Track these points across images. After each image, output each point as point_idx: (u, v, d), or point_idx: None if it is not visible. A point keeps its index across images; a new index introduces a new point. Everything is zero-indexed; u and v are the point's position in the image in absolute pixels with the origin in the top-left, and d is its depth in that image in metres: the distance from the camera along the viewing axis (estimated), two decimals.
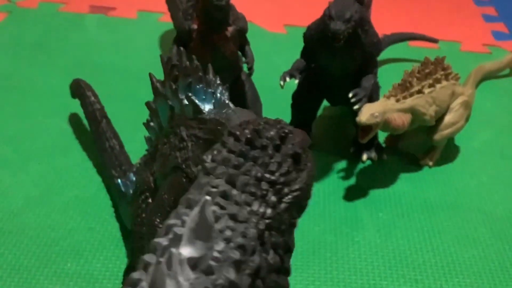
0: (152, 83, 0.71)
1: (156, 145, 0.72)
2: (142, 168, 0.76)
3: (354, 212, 0.89)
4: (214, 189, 0.42)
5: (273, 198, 0.44)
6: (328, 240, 0.83)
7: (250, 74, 0.99)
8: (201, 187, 0.43)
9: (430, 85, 0.95)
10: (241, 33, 0.95)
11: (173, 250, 0.36)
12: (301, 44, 0.96)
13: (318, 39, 0.91)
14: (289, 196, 0.45)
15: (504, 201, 0.92)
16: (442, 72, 0.97)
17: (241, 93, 0.99)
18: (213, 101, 0.64)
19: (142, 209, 0.71)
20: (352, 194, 0.92)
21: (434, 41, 1.37)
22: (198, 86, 0.65)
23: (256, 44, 1.04)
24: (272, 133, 0.46)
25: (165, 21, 1.42)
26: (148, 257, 0.39)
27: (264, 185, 0.44)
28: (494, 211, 0.90)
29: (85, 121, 1.01)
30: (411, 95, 0.92)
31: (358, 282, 0.76)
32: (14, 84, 1.18)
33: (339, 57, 0.91)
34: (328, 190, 0.93)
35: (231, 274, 0.38)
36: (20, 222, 0.83)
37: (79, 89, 1.00)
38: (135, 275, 0.37)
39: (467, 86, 1.08)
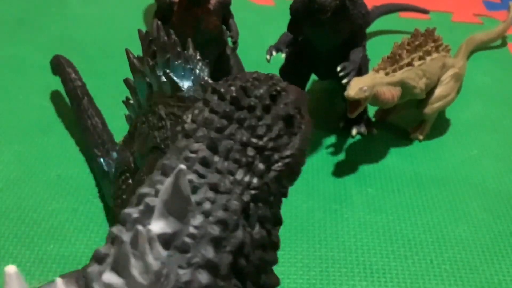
0: (129, 59, 0.68)
1: (135, 124, 0.70)
2: (122, 148, 0.74)
3: (343, 188, 0.87)
4: (193, 155, 0.37)
5: (261, 166, 0.39)
6: (317, 217, 0.82)
7: (234, 49, 0.97)
8: (179, 152, 0.38)
9: (420, 58, 0.93)
10: (225, 5, 0.92)
11: (140, 227, 0.32)
12: (289, 17, 0.93)
13: (304, 11, 0.89)
14: (279, 164, 0.40)
15: (495, 174, 0.91)
16: (432, 44, 0.95)
17: (226, 68, 0.96)
18: (192, 77, 0.62)
19: (123, 190, 0.69)
20: (341, 170, 0.91)
21: (425, 12, 1.35)
22: (176, 62, 0.62)
23: (243, 17, 1.02)
24: (261, 91, 0.40)
25: None
26: (116, 230, 0.34)
27: (251, 151, 0.39)
28: (485, 184, 0.89)
29: (67, 99, 0.98)
30: (401, 68, 0.90)
31: (347, 259, 0.75)
32: None
33: (326, 30, 0.89)
34: (316, 166, 0.92)
35: (209, 252, 0.34)
36: (0, 204, 0.81)
37: (59, 66, 0.97)
38: (103, 249, 0.33)
39: (458, 58, 1.06)
